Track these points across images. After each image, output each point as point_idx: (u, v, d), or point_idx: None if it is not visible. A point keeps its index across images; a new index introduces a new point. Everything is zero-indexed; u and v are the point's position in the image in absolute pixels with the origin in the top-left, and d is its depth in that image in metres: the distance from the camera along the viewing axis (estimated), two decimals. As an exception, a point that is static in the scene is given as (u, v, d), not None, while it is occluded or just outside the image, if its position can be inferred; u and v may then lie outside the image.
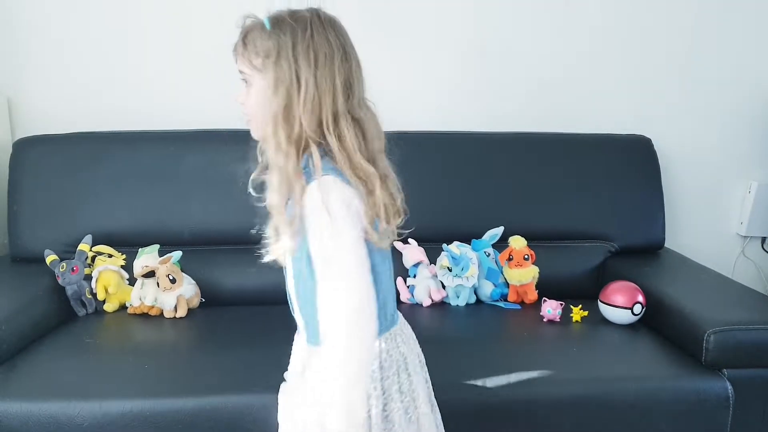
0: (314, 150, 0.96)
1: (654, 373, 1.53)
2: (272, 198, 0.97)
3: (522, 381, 1.44)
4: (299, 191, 0.94)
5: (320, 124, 0.97)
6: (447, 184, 1.96)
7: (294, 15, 0.99)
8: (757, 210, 2.29)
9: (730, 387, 1.47)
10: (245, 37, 1.01)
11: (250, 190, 1.10)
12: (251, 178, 1.11)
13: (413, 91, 2.13)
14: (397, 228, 1.03)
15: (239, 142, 1.99)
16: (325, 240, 0.93)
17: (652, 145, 2.11)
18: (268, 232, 0.98)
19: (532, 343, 1.67)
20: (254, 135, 1.07)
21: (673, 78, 2.23)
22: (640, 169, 2.09)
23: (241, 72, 1.03)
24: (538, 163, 2.05)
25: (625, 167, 2.08)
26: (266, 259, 1.02)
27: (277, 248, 0.98)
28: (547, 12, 2.15)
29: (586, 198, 2.04)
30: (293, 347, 1.15)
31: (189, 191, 1.93)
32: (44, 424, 1.32)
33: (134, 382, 1.42)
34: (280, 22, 0.99)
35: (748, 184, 2.31)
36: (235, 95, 1.06)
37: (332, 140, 0.96)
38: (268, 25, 0.99)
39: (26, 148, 1.93)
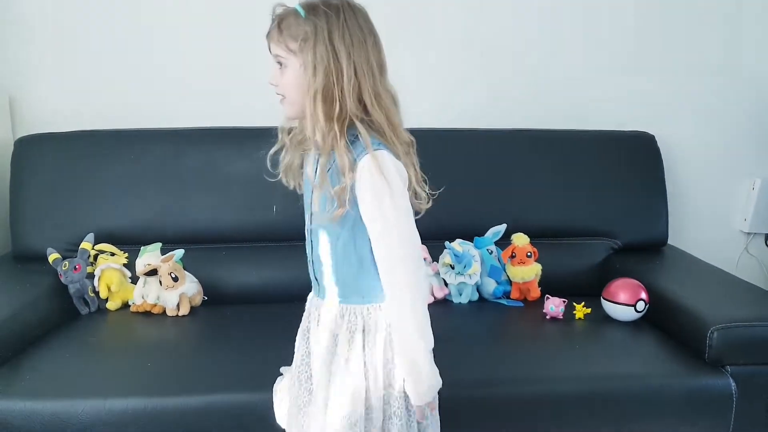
0: (360, 126, 1.04)
1: (657, 370, 1.53)
2: (308, 171, 1.08)
3: (525, 378, 1.44)
4: (348, 165, 1.02)
5: (361, 101, 1.05)
6: (449, 181, 1.92)
7: (326, 3, 1.08)
8: (760, 207, 2.28)
9: (733, 384, 1.47)
10: (280, 23, 1.09)
11: (268, 165, 1.20)
12: (269, 154, 1.20)
13: (415, 88, 2.11)
14: (429, 192, 1.14)
15: (241, 140, 2.01)
16: (385, 208, 1.03)
17: (656, 142, 2.10)
18: (313, 202, 1.06)
19: (535, 340, 1.66)
20: (287, 113, 1.15)
21: (677, 75, 2.22)
22: (644, 166, 2.09)
23: (276, 56, 1.11)
24: (541, 160, 2.05)
25: (628, 164, 2.07)
26: (312, 226, 1.11)
27: (323, 216, 1.06)
28: (550, 9, 2.15)
29: (589, 195, 2.03)
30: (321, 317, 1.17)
31: (191, 189, 1.93)
32: (48, 422, 1.32)
33: (137, 380, 1.42)
34: (314, 8, 1.07)
35: (751, 181, 2.30)
36: (268, 77, 1.13)
37: (380, 116, 1.06)
38: (302, 13, 1.07)
39: (28, 147, 1.93)
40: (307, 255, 1.19)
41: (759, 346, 1.51)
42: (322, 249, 1.13)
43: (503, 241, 1.94)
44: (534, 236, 1.93)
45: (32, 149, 1.92)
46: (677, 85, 2.23)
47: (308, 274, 1.34)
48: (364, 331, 1.10)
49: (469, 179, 1.98)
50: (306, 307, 1.23)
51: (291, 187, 1.21)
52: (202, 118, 2.03)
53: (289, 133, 1.19)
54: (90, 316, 1.77)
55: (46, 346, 1.56)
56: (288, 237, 1.94)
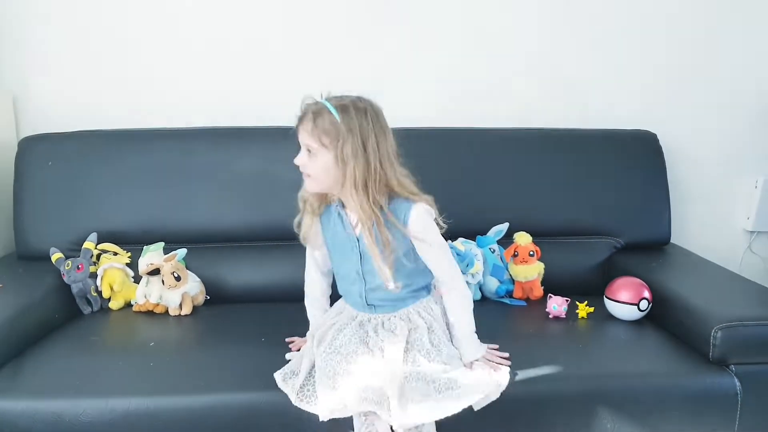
0: (392, 202, 1.35)
1: (661, 369, 1.52)
2: (372, 235, 1.34)
3: (528, 378, 1.44)
4: (401, 226, 1.34)
5: (387, 184, 1.33)
6: (451, 180, 1.95)
7: (355, 105, 1.31)
8: (763, 205, 2.28)
9: (737, 383, 1.46)
10: (315, 119, 1.30)
11: (296, 229, 1.46)
12: (294, 222, 1.46)
13: (416, 87, 2.13)
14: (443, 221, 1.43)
15: (244, 139, 2.02)
16: (436, 235, 1.39)
17: (658, 141, 2.10)
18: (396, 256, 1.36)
19: (537, 339, 1.66)
20: (311, 189, 1.39)
21: (679, 72, 2.22)
22: (646, 165, 2.08)
23: (307, 145, 1.32)
24: (544, 159, 2.04)
25: (630, 163, 2.07)
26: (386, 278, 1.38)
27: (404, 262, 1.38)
28: (551, 6, 2.14)
29: (591, 194, 2.03)
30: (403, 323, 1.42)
31: (193, 189, 1.93)
32: (50, 421, 1.32)
33: (139, 379, 1.42)
34: (346, 110, 1.30)
35: (754, 179, 2.29)
36: (294, 159, 1.35)
37: (404, 191, 1.34)
38: (336, 115, 1.29)
39: (32, 147, 1.93)
40: (360, 290, 1.42)
41: (763, 344, 1.50)
42: (404, 277, 1.40)
43: (506, 240, 1.94)
44: (536, 235, 1.93)
45: (36, 149, 1.93)
46: (679, 83, 2.22)
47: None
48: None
49: (471, 178, 1.98)
50: (359, 324, 1.43)
51: (310, 247, 1.50)
52: (205, 118, 2.04)
53: (305, 202, 1.43)
54: (93, 316, 1.77)
55: (49, 346, 1.56)
56: (290, 236, 1.94)
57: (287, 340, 1.55)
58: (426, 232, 1.36)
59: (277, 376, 1.38)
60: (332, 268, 1.52)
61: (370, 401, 1.27)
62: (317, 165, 1.32)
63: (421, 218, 1.35)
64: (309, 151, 1.32)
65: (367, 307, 1.44)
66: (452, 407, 1.28)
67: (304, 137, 1.32)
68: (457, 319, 1.44)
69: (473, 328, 1.44)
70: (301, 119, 1.33)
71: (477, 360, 1.41)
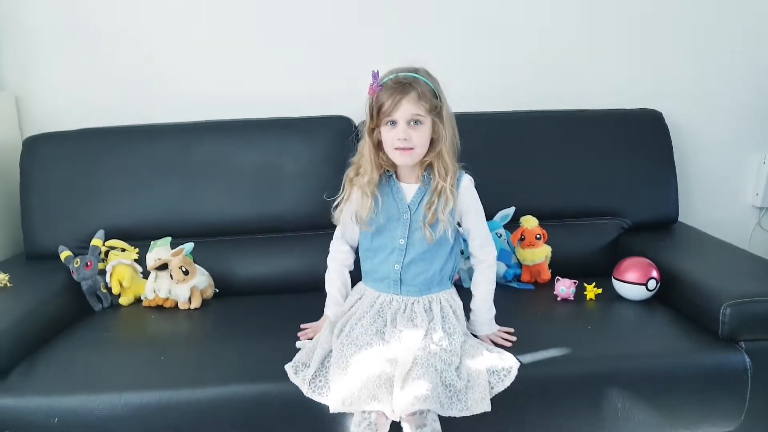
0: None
1: (671, 348, 1.52)
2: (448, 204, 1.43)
3: (537, 360, 1.44)
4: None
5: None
6: (456, 165, 1.95)
7: (426, 72, 1.42)
8: (772, 181, 2.26)
9: (747, 359, 1.46)
10: (417, 88, 1.37)
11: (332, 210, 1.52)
12: (333, 207, 1.51)
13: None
14: None
15: (248, 132, 2.01)
16: (480, 204, 1.52)
17: (663, 119, 2.08)
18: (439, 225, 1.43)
19: (546, 322, 1.66)
20: (410, 162, 1.43)
21: (684, 49, 2.19)
22: (652, 144, 2.06)
23: (416, 115, 1.38)
24: (549, 141, 2.03)
25: (636, 142, 2.05)
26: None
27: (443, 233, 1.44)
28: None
29: (597, 174, 2.02)
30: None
31: (199, 183, 1.93)
32: (65, 417, 1.34)
33: (151, 373, 1.43)
34: (429, 76, 1.42)
35: (762, 155, 2.27)
36: (402, 135, 1.38)
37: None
38: (428, 81, 1.40)
39: (36, 146, 1.94)
40: (396, 260, 1.46)
41: (773, 320, 1.49)
42: (442, 255, 1.48)
43: (512, 224, 1.94)
44: (543, 218, 1.92)
45: (40, 148, 1.94)
46: (685, 60, 2.20)
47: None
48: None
49: (476, 162, 1.95)
50: (378, 311, 1.46)
51: (337, 223, 1.54)
52: (208, 112, 2.04)
53: (350, 183, 1.47)
54: (103, 312, 1.79)
55: (62, 343, 1.58)
56: (297, 228, 1.95)
57: (303, 326, 1.56)
58: (474, 199, 1.50)
59: (288, 368, 1.38)
60: (361, 241, 1.54)
61: (377, 399, 1.25)
62: (423, 134, 1.39)
63: (471, 186, 1.49)
64: (414, 122, 1.37)
65: (395, 284, 1.46)
66: (456, 409, 1.28)
67: (410, 108, 1.36)
68: (482, 290, 1.53)
69: (492, 305, 1.53)
70: (401, 92, 1.36)
71: (487, 335, 1.51)
